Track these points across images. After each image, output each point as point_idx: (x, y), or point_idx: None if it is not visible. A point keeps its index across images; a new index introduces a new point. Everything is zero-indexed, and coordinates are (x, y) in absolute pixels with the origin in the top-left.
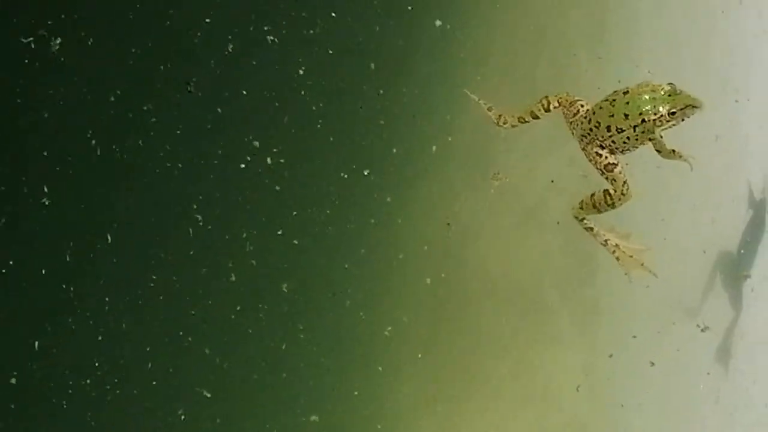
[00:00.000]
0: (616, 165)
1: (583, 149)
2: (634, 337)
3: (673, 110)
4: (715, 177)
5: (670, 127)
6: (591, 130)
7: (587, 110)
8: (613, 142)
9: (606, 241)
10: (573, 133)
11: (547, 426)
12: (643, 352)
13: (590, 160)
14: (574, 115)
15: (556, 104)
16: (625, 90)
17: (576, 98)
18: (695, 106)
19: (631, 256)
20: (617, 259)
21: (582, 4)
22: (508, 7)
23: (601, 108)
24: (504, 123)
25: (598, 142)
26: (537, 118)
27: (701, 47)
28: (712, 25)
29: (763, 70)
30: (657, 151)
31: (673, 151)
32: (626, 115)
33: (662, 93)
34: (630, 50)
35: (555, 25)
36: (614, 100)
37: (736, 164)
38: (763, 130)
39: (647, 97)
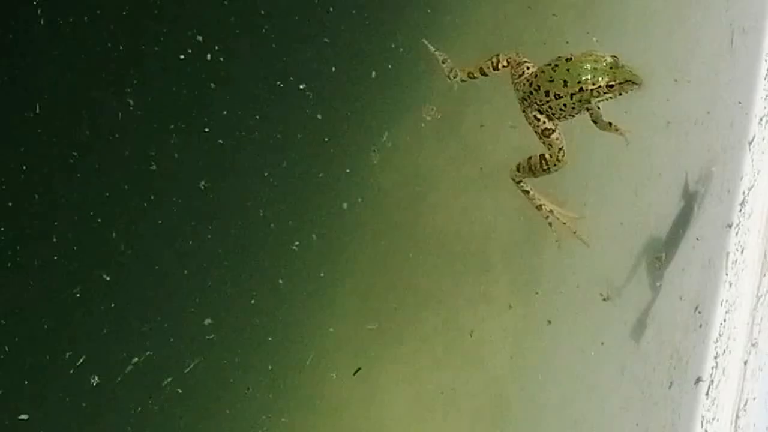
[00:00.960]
0: (553, 131)
1: (523, 112)
2: (537, 293)
3: (612, 83)
4: (658, 161)
5: (606, 99)
6: (531, 93)
7: (531, 73)
8: (550, 107)
9: (541, 205)
10: (516, 94)
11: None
12: (543, 309)
13: (529, 123)
14: (519, 76)
15: (505, 63)
16: (569, 56)
17: (524, 59)
18: (635, 83)
19: (565, 223)
20: (550, 224)
21: None
22: None
23: (542, 72)
24: (454, 77)
25: (537, 106)
26: (485, 75)
27: (658, 25)
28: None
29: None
30: (593, 121)
31: (610, 123)
32: (565, 82)
33: (604, 64)
34: (584, 13)
35: None
36: (556, 65)
37: (681, 151)
38: (707, 118)
39: (588, 66)
